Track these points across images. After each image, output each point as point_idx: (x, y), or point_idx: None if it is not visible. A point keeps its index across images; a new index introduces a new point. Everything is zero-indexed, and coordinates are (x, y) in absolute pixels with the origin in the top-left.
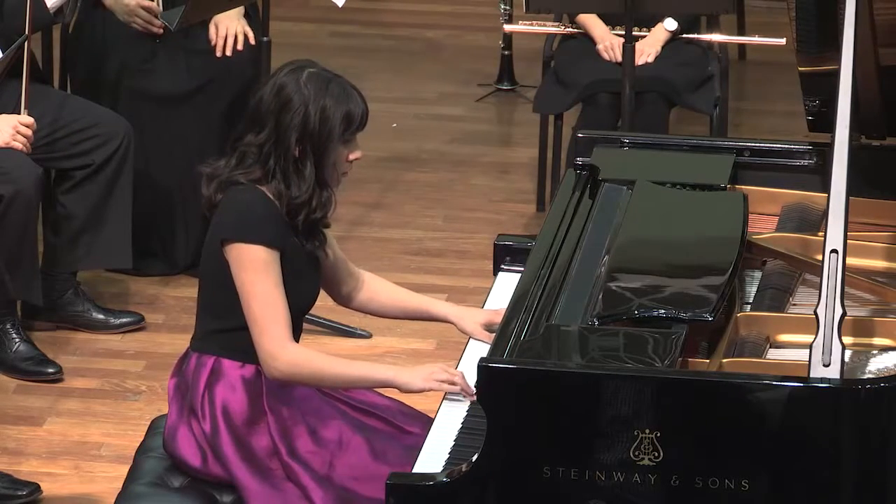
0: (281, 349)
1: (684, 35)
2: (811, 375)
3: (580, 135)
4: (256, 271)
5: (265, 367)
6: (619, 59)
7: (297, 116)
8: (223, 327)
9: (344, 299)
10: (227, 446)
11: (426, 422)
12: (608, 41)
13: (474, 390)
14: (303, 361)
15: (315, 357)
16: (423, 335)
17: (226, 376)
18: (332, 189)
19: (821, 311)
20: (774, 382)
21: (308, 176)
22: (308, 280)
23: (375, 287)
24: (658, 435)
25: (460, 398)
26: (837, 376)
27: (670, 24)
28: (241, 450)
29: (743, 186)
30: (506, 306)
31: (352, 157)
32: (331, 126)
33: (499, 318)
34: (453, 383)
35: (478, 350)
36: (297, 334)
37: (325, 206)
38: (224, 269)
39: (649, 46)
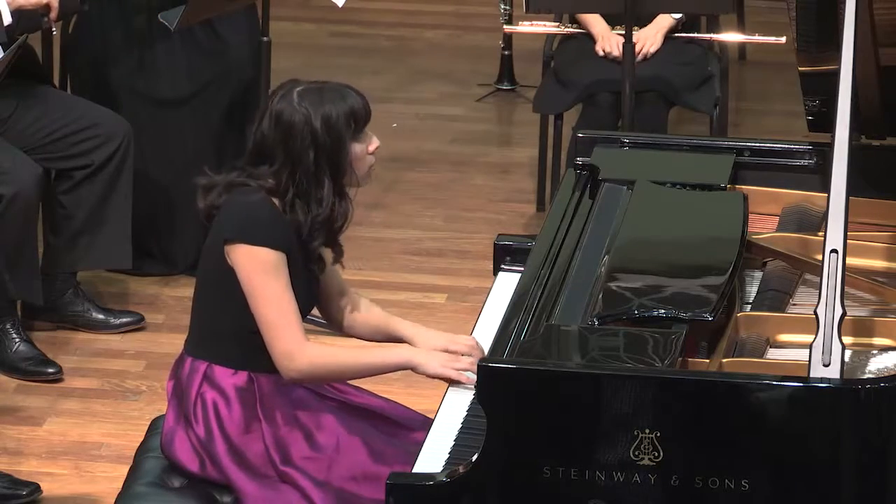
0: (298, 349)
1: (684, 35)
2: (811, 375)
3: (580, 135)
4: (266, 274)
5: (282, 369)
6: (616, 53)
7: (305, 138)
8: (216, 331)
9: (329, 316)
10: (222, 452)
11: (426, 422)
12: (607, 41)
13: None
14: (321, 358)
15: (332, 351)
16: None
17: (218, 384)
18: (350, 199)
19: (821, 311)
20: (774, 382)
21: (327, 191)
22: (306, 289)
23: (359, 309)
24: (658, 435)
25: (466, 388)
26: (837, 376)
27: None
28: (236, 456)
29: (743, 186)
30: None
31: (371, 148)
32: (339, 131)
33: (453, 347)
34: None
35: (483, 344)
36: None
37: (344, 215)
38: (223, 270)
39: (652, 36)
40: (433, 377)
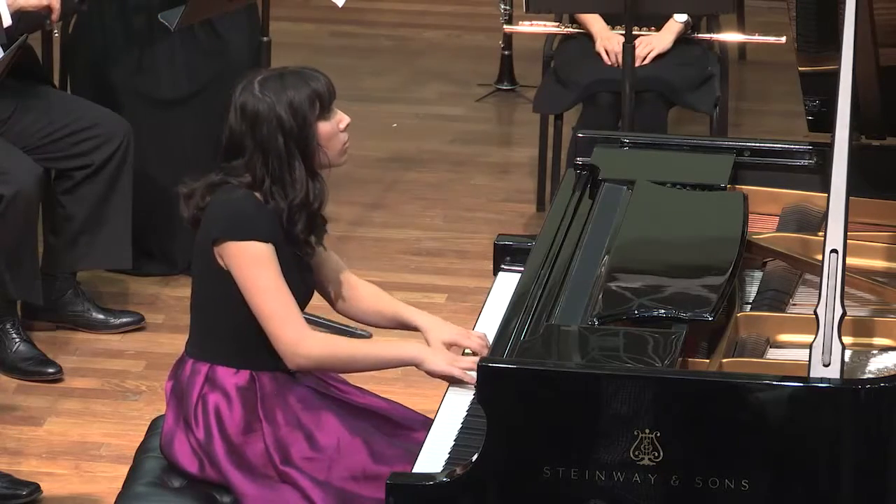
0: (301, 338)
1: (684, 35)
2: (811, 375)
3: (580, 135)
4: (259, 267)
5: (288, 358)
6: (617, 50)
7: (272, 125)
8: (216, 332)
9: (332, 302)
10: (221, 453)
11: (426, 422)
12: (607, 42)
13: None
14: (327, 348)
15: (338, 341)
16: None
17: (220, 384)
18: (323, 179)
19: (821, 311)
20: (774, 382)
21: (299, 173)
22: (299, 278)
23: (363, 293)
24: (658, 435)
25: (466, 388)
26: (837, 376)
27: (680, 15)
28: (236, 457)
29: (743, 186)
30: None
31: (342, 125)
32: (304, 113)
33: (464, 342)
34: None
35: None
36: None
37: (320, 196)
38: (215, 271)
39: (658, 40)
40: (438, 374)
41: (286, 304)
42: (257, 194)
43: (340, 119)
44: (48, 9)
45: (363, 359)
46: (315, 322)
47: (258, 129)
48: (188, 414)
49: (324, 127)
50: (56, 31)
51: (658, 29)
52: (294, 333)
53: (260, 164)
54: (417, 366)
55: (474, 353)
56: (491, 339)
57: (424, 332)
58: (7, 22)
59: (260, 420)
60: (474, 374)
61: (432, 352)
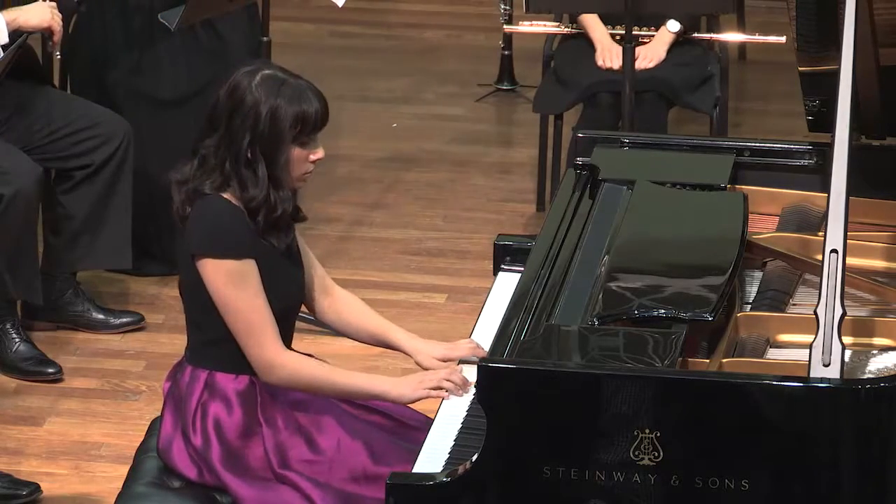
0: (275, 358)
1: (684, 34)
2: (811, 375)
3: (580, 135)
4: (234, 285)
5: (261, 376)
6: (615, 66)
7: (248, 119)
8: (210, 339)
9: (316, 314)
10: (219, 461)
11: (426, 422)
12: (607, 54)
13: (465, 390)
14: (300, 370)
15: (312, 365)
16: (421, 336)
17: (220, 391)
18: (290, 189)
19: (821, 311)
20: (774, 382)
21: (261, 177)
22: (289, 281)
23: (347, 307)
24: (658, 435)
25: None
26: (837, 376)
27: (673, 25)
28: (233, 463)
29: (743, 186)
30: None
31: (313, 157)
32: (281, 127)
33: (455, 353)
34: (442, 388)
35: (483, 344)
36: (289, 335)
37: (283, 203)
38: (199, 283)
39: (653, 51)
40: (414, 402)
41: (261, 324)
42: (233, 200)
43: (316, 153)
44: (49, 31)
45: (336, 389)
46: (314, 323)
47: (235, 116)
48: (186, 421)
49: (296, 151)
50: (58, 54)
51: (658, 29)
52: (269, 354)
53: (224, 148)
54: (392, 401)
55: (470, 359)
56: (489, 339)
57: (414, 355)
58: (4, 39)
59: (260, 424)
60: (447, 384)
61: (401, 386)
